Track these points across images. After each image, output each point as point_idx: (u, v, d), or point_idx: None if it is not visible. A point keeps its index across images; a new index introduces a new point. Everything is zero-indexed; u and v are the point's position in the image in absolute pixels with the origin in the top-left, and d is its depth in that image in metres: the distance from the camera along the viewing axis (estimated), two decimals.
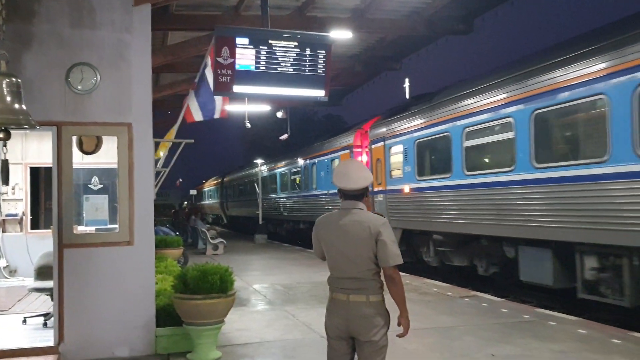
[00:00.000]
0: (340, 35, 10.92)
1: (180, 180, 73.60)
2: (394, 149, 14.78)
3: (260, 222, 28.44)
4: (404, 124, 14.17)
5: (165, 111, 19.49)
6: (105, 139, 6.97)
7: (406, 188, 13.92)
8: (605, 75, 7.90)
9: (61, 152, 6.35)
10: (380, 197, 15.46)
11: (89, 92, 6.44)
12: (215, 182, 50.09)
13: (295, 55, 6.90)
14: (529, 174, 9.50)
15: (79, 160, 6.95)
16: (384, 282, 3.59)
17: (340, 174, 3.68)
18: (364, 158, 17.23)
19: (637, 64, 7.43)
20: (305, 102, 19.38)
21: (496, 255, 11.11)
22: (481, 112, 10.81)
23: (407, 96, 21.45)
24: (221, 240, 20.75)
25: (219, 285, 6.12)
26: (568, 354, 6.18)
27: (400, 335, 3.67)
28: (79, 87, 6.41)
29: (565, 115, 8.96)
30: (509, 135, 9.99)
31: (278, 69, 6.85)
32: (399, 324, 3.65)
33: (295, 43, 6.91)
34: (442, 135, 12.22)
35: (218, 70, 6.62)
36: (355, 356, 3.66)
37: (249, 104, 15.28)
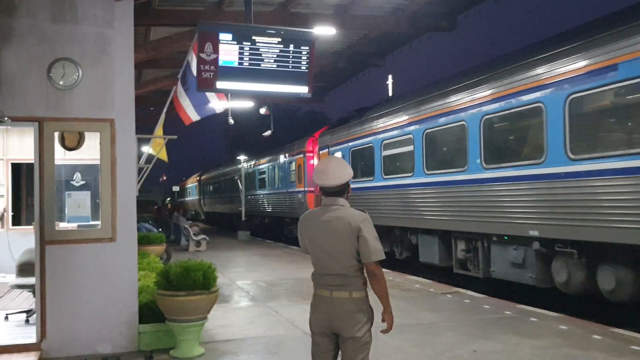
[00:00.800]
0: (324, 31, 10.94)
1: (164, 178, 73.13)
2: (335, 155, 17.32)
3: (243, 218, 28.41)
4: (342, 135, 17.17)
5: (148, 107, 19.38)
6: (87, 134, 6.91)
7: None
8: (467, 107, 10.90)
9: (43, 148, 6.29)
10: None
11: (71, 87, 6.39)
12: (195, 179, 51.58)
13: (278, 51, 6.88)
14: (422, 178, 12.46)
15: (61, 156, 6.88)
16: (367, 278, 3.60)
17: (319, 171, 3.68)
18: (315, 161, 20.50)
19: (487, 99, 10.23)
20: (288, 99, 19.37)
21: (406, 242, 13.93)
22: (392, 129, 13.89)
23: (390, 93, 21.51)
24: (204, 236, 20.68)
25: (201, 282, 6.11)
26: (548, 350, 6.27)
27: (384, 331, 3.68)
28: (61, 83, 6.35)
29: (444, 135, 11.98)
30: (410, 148, 12.92)
31: (261, 65, 6.83)
32: (382, 320, 3.65)
33: (279, 39, 6.90)
34: (368, 145, 15.23)
35: (201, 66, 6.59)
36: (339, 352, 3.68)
37: (233, 100, 15.24)
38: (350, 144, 16.36)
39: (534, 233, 9.11)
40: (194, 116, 7.88)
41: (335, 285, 3.56)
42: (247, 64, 6.81)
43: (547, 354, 6.09)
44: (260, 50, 6.85)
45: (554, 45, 9.12)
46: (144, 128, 9.22)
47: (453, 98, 11.40)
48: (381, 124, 14.46)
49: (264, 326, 7.73)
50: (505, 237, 10.15)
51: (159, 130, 8.14)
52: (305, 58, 7.09)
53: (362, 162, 15.70)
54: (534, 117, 9.17)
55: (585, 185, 8.14)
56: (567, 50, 8.62)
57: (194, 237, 20.26)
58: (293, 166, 22.74)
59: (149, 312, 6.53)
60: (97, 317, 6.37)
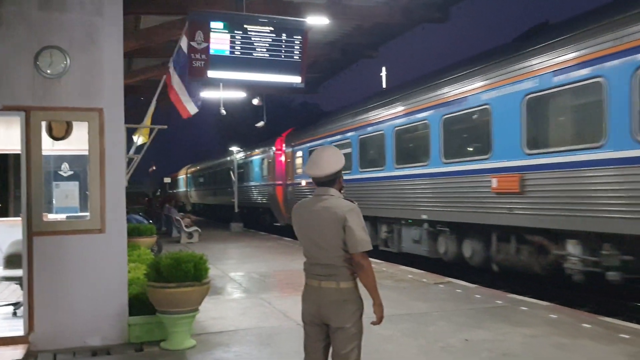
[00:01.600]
0: (317, 21, 10.84)
1: (154, 167, 72.79)
2: (297, 154, 20.76)
3: (236, 210, 28.34)
4: (303, 137, 20.17)
5: (137, 97, 19.22)
6: (75, 124, 6.81)
7: (303, 182, 19.92)
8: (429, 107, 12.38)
9: (30, 138, 6.20)
10: (290, 187, 21.53)
11: (58, 76, 6.29)
12: (183, 172, 53.77)
13: (270, 40, 6.81)
14: (357, 175, 15.51)
15: (48, 146, 6.78)
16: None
17: (310, 161, 3.67)
18: (283, 159, 22.61)
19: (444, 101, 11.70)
20: (281, 89, 19.29)
21: None
22: (336, 134, 17.14)
23: (384, 85, 21.50)
24: (196, 228, 20.60)
25: (193, 273, 6.06)
26: (539, 338, 6.27)
27: (374, 323, 3.66)
28: (48, 71, 6.25)
29: (370, 141, 15.00)
30: (348, 150, 15.95)
31: (253, 54, 6.76)
32: (374, 312, 3.63)
33: (271, 28, 6.82)
34: (320, 145, 17.96)
35: (192, 55, 6.51)
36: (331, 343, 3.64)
37: (224, 90, 15.14)
38: (308, 144, 19.51)
39: (424, 217, 12.31)
40: (192, 109, 7.79)
41: (324, 275, 3.54)
42: (239, 52, 6.74)
43: (537, 343, 6.10)
44: (252, 39, 6.78)
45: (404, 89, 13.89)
46: (133, 118, 9.11)
47: (375, 112, 14.79)
48: (328, 129, 17.96)
49: (257, 318, 7.69)
50: (410, 221, 13.19)
51: (148, 119, 8.04)
52: (298, 48, 7.03)
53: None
54: (424, 130, 12.43)
55: (452, 182, 11.31)
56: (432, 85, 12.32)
57: (186, 229, 20.17)
58: (265, 162, 25.08)
59: (139, 304, 6.47)
60: (86, 310, 6.30)
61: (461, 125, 11.46)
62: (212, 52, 6.61)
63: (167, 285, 5.99)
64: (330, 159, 3.62)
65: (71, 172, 7.20)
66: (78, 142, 6.71)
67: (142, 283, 6.63)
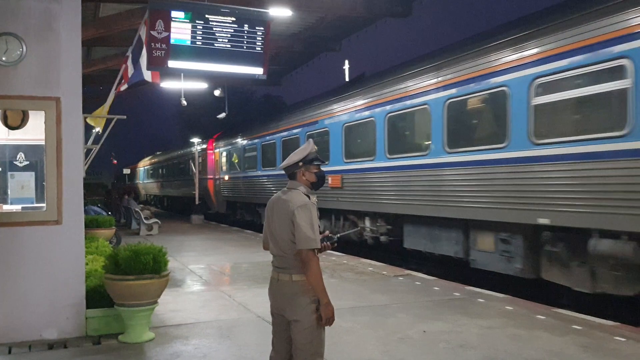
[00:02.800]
0: (280, 12, 10.81)
1: (115, 161, 71.50)
2: (223, 154, 25.02)
3: (197, 202, 28.07)
4: (225, 140, 24.80)
5: (97, 86, 18.83)
6: (32, 113, 6.64)
7: (226, 177, 24.34)
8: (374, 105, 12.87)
9: None
10: (217, 181, 25.80)
11: (14, 64, 6.12)
12: (137, 165, 55.81)
13: (232, 31, 6.75)
14: (259, 172, 19.13)
15: (3, 135, 6.61)
16: None
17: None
18: (213, 157, 26.63)
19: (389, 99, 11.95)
20: (243, 80, 19.15)
21: None
22: (250, 140, 20.91)
23: (347, 78, 21.58)
24: (156, 220, 20.32)
25: (152, 266, 5.99)
26: (495, 329, 6.43)
27: (322, 324, 3.60)
28: (4, 59, 6.08)
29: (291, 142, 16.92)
30: (254, 153, 20.16)
31: (215, 44, 6.69)
32: (321, 312, 3.58)
33: (233, 18, 6.76)
34: (237, 148, 22.69)
35: (152, 44, 6.41)
36: None
37: (185, 80, 14.96)
38: (230, 147, 23.84)
39: (391, 210, 12.16)
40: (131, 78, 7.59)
41: (280, 267, 3.63)
42: (200, 43, 6.66)
43: (493, 334, 6.25)
44: (214, 29, 6.71)
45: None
46: (92, 108, 8.92)
47: (292, 116, 17.12)
48: (241, 136, 22.17)
49: (217, 310, 7.66)
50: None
51: (106, 108, 7.89)
52: (260, 39, 6.98)
53: (237, 160, 22.92)
54: (370, 127, 12.73)
55: (396, 176, 11.73)
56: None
57: (146, 221, 19.89)
58: (201, 159, 28.48)
59: (97, 297, 6.38)
60: (43, 302, 6.18)
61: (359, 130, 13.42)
62: (172, 41, 6.52)
63: (125, 278, 5.92)
64: (295, 154, 3.73)
65: (27, 162, 7.02)
66: (34, 131, 6.55)
67: (100, 275, 6.53)
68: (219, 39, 6.74)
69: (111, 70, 15.43)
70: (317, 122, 15.34)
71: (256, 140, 20.07)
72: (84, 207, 6.97)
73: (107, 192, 39.97)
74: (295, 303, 3.54)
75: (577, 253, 7.86)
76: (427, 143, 10.77)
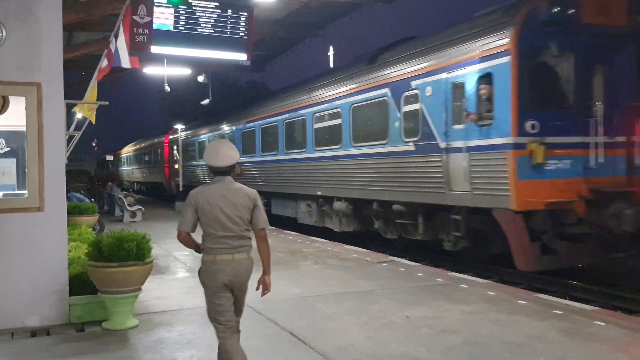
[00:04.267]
0: None
1: (96, 147, 70.76)
2: (174, 147, 30.46)
3: (181, 189, 27.97)
4: (175, 136, 30.05)
5: (78, 72, 18.57)
6: (12, 99, 6.55)
7: (175, 165, 29.64)
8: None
9: None
10: (171, 169, 31.57)
11: None
12: (116, 153, 56.79)
13: (216, 16, 6.70)
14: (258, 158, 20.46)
15: None
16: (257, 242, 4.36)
17: (210, 152, 4.33)
18: (168, 149, 32.47)
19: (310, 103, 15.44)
20: (227, 66, 19.04)
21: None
22: (201, 135, 25.85)
23: (332, 65, 21.52)
24: (139, 207, 20.21)
25: (135, 253, 5.98)
26: (477, 315, 6.51)
27: (264, 293, 4.40)
28: None
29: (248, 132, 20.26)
30: (193, 147, 26.78)
31: (198, 30, 6.64)
32: (264, 282, 4.38)
33: (216, 3, 6.70)
34: (183, 143, 28.47)
35: (134, 29, 6.34)
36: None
37: (169, 66, 14.81)
38: (180, 141, 28.91)
39: (314, 192, 15.18)
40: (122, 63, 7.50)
41: (236, 247, 4.24)
42: (183, 28, 6.61)
43: (475, 319, 6.33)
44: (197, 14, 6.66)
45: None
46: (74, 93, 8.82)
47: (224, 118, 23.15)
48: (186, 133, 28.73)
49: (201, 297, 7.52)
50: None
51: (91, 94, 7.79)
52: (244, 24, 6.94)
53: (190, 152, 27.94)
54: (302, 124, 15.92)
55: (320, 165, 14.79)
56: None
57: (129, 208, 19.77)
58: (159, 150, 34.53)
59: (80, 284, 6.35)
60: (25, 290, 6.13)
61: (325, 122, 14.90)
62: (155, 26, 6.46)
63: (108, 265, 5.89)
64: (230, 153, 4.31)
65: (8, 149, 6.93)
66: (15, 117, 6.47)
67: (83, 262, 6.49)
68: (202, 24, 6.69)
69: (93, 56, 15.18)
70: (248, 122, 19.77)
71: (194, 138, 27.08)
72: (67, 194, 6.91)
73: (89, 178, 39.70)
74: (250, 275, 4.33)
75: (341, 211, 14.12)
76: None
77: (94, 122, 7.98)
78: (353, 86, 13.31)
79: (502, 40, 9.15)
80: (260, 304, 7.08)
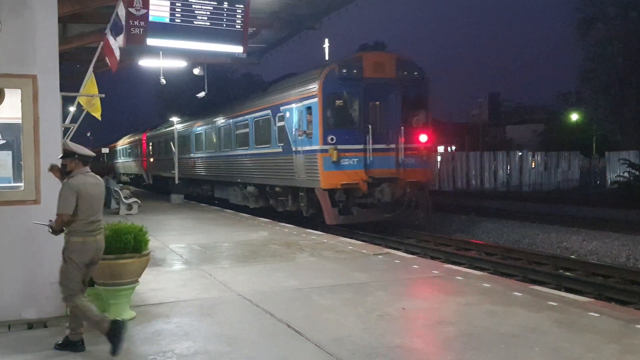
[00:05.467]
0: None
1: (90, 137, 70.43)
2: (150, 144, 37.02)
3: (177, 181, 27.98)
4: (150, 134, 37.01)
5: (74, 64, 18.50)
6: (8, 91, 6.52)
7: (151, 159, 36.41)
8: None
9: None
10: (148, 162, 37.60)
11: None
12: (111, 146, 58.52)
13: (212, 8, 6.69)
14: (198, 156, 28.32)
15: None
16: None
17: (79, 147, 5.33)
18: (145, 145, 38.59)
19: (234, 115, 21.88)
20: (223, 59, 19.00)
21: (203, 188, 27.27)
22: (160, 136, 34.32)
23: (327, 57, 21.54)
24: (135, 199, 20.17)
25: (132, 245, 5.99)
26: (472, 306, 6.55)
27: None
28: None
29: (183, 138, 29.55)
30: (164, 144, 33.44)
31: (194, 22, 6.63)
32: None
33: None
34: (155, 141, 35.29)
35: (130, 21, 6.33)
36: None
37: (164, 59, 14.78)
38: (153, 139, 36.15)
39: (236, 180, 21.39)
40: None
41: (99, 229, 5.31)
42: (179, 20, 6.60)
43: (470, 310, 6.37)
44: (193, 6, 6.64)
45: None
46: (69, 86, 8.79)
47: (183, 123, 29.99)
48: (157, 133, 35.10)
49: (198, 289, 7.69)
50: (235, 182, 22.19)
51: (89, 87, 7.76)
52: (240, 16, 6.94)
53: (159, 148, 34.27)
54: (229, 130, 22.39)
55: (239, 160, 20.71)
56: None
57: (125, 200, 19.75)
58: (139, 146, 40.64)
59: None
60: (22, 282, 6.14)
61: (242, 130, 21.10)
62: (151, 18, 6.45)
63: (106, 257, 5.88)
64: (81, 148, 5.32)
65: (3, 142, 6.91)
66: (10, 109, 6.45)
67: None
68: (198, 17, 6.68)
69: (88, 48, 15.14)
70: (191, 128, 27.84)
71: (164, 137, 32.92)
72: None
73: None
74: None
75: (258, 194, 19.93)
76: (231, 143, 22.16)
77: (99, 118, 7.97)
78: (254, 107, 19.70)
79: (314, 88, 15.23)
80: (257, 295, 7.16)
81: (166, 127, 32.98)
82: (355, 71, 15.02)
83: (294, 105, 16.16)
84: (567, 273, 10.66)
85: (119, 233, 5.97)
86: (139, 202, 20.30)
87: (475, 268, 10.56)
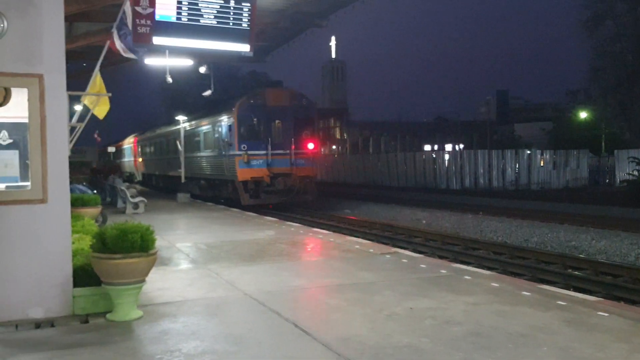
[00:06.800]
0: None
1: (98, 138, 70.57)
2: (139, 146, 43.91)
3: (183, 180, 28.08)
4: (140, 137, 44.25)
5: (80, 63, 18.54)
6: (15, 91, 6.52)
7: (140, 159, 43.93)
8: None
9: None
10: (138, 162, 44.46)
11: None
12: (117, 145, 60.58)
13: (218, 7, 6.67)
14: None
15: None
16: None
17: None
18: (136, 147, 44.64)
19: (202, 124, 27.85)
20: (229, 57, 18.99)
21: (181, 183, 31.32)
22: (149, 139, 40.80)
23: (334, 55, 21.52)
24: (142, 199, 20.21)
25: (139, 244, 5.97)
26: (480, 306, 6.51)
27: None
28: None
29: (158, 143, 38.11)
30: (149, 148, 41.46)
31: (201, 20, 6.61)
32: None
33: None
34: (143, 144, 42.46)
35: (137, 20, 6.32)
36: None
37: (170, 57, 14.77)
38: (142, 143, 42.17)
39: (204, 175, 27.11)
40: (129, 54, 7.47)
41: None
42: (186, 19, 6.58)
43: (479, 310, 6.33)
44: (200, 5, 6.63)
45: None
46: (75, 85, 8.78)
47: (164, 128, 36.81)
48: (144, 137, 42.00)
49: (204, 288, 7.68)
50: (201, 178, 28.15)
51: (97, 85, 7.74)
52: (247, 15, 6.91)
53: (151, 150, 39.19)
54: (193, 137, 29.00)
55: (195, 161, 28.00)
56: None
57: (131, 200, 19.79)
58: (131, 148, 47.57)
59: (84, 276, 6.34)
60: (29, 281, 6.14)
61: (193, 138, 28.63)
62: (157, 17, 6.44)
63: (112, 257, 5.89)
64: None
65: (10, 140, 6.91)
66: (17, 108, 6.45)
67: (86, 254, 6.49)
68: (204, 15, 6.67)
69: (94, 47, 15.15)
70: (169, 134, 33.01)
71: (149, 140, 39.44)
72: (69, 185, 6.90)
73: (91, 170, 39.93)
74: None
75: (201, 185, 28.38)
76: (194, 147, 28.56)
77: (101, 117, 7.95)
78: (203, 121, 27.05)
79: (232, 112, 22.47)
80: (264, 295, 7.13)
81: (151, 132, 40.56)
82: (260, 101, 22.66)
83: (223, 123, 23.56)
84: (576, 272, 10.59)
85: (126, 232, 5.95)
86: (145, 201, 20.33)
87: (484, 267, 10.51)
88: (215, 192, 25.72)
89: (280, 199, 22.38)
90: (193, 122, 28.58)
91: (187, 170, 28.35)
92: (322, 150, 44.72)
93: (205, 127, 26.61)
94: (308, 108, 23.71)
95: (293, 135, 22.50)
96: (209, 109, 28.27)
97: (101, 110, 7.90)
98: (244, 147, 21.60)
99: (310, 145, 23.07)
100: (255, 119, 22.39)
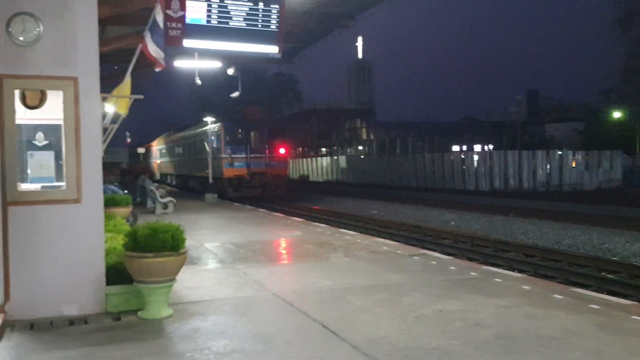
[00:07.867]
0: None
1: (129, 139, 71.78)
2: (157, 149, 53.08)
3: (210, 180, 28.41)
4: (157, 141, 54.14)
5: (111, 66, 18.86)
6: (50, 93, 6.68)
7: (158, 161, 52.26)
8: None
9: (3, 106, 6.07)
10: (157, 163, 53.37)
11: (31, 43, 6.13)
12: (147, 146, 63.75)
13: (248, 9, 6.73)
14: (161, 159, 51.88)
15: (22, 115, 6.66)
16: None
17: None
18: (155, 150, 54.38)
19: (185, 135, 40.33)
20: (257, 59, 19.11)
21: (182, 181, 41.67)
22: (168, 143, 48.70)
23: (360, 55, 21.48)
24: (171, 199, 20.46)
25: (170, 244, 6.05)
26: (511, 309, 6.43)
27: None
28: (21, 38, 6.08)
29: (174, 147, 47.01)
30: (166, 150, 50.78)
31: (230, 23, 6.68)
32: None
33: None
34: (160, 147, 52.36)
35: (168, 23, 6.41)
36: None
37: (200, 59, 14.94)
38: (159, 146, 51.31)
39: (200, 175, 33.59)
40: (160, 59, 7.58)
41: None
42: (216, 22, 6.66)
43: (509, 313, 6.26)
44: (229, 7, 6.69)
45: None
46: (107, 87, 8.93)
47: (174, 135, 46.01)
48: (160, 142, 52.03)
49: (233, 288, 7.74)
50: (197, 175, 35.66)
51: (125, 88, 7.88)
52: (275, 17, 6.96)
53: (161, 152, 50.23)
54: (184, 146, 40.77)
55: (184, 163, 39.91)
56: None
57: (161, 200, 20.04)
58: (151, 151, 55.18)
59: (116, 274, 6.46)
60: (63, 279, 6.28)
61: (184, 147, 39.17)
62: (188, 20, 6.52)
63: (144, 255, 5.98)
64: None
65: (46, 142, 7.07)
66: (52, 110, 6.60)
67: (119, 253, 6.61)
68: (234, 18, 6.73)
69: (126, 50, 15.41)
70: (177, 140, 41.33)
71: (164, 145, 47.39)
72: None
73: (122, 171, 40.66)
74: None
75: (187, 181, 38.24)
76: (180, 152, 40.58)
77: (124, 114, 8.06)
78: (188, 134, 37.29)
79: (219, 126, 30.37)
80: (291, 295, 7.17)
81: (165, 138, 47.67)
82: (240, 116, 32.08)
83: (213, 132, 30.44)
84: (610, 275, 10.41)
85: (157, 232, 6.04)
86: (174, 201, 20.57)
87: (514, 270, 10.39)
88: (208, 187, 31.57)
89: (256, 192, 29.07)
90: (199, 131, 35.64)
91: (187, 170, 36.31)
92: (291, 153, 54.01)
93: (199, 137, 34.51)
94: (279, 121, 34.15)
95: (267, 141, 29.60)
96: (198, 126, 36.94)
97: (121, 106, 7.99)
98: (228, 152, 28.92)
99: (281, 150, 29.98)
100: (238, 130, 29.74)
